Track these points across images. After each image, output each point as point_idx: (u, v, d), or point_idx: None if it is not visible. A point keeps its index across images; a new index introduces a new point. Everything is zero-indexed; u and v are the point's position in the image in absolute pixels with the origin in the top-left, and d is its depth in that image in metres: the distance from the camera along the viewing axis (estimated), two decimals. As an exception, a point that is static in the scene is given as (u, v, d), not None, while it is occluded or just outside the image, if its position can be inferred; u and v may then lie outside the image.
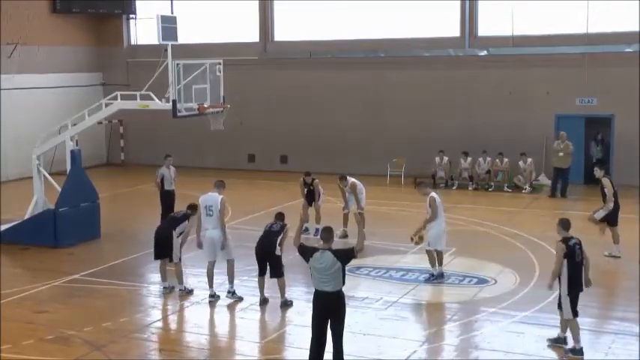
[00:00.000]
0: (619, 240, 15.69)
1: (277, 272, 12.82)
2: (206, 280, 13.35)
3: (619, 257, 15.57)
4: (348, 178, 17.58)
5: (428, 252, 14.33)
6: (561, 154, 22.69)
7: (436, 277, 14.26)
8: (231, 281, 13.27)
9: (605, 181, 15.71)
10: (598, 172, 16.09)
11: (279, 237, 12.80)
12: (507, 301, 13.05)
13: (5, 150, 26.21)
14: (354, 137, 27.14)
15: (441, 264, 14.38)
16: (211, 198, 13.32)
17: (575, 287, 10.80)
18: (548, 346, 11.07)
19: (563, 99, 24.70)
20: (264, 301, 13.03)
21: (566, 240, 10.79)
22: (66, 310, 13.00)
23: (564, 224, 10.97)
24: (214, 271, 13.37)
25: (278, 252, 12.79)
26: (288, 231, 12.89)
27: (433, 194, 14.29)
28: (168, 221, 14.04)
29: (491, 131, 25.25)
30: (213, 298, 13.27)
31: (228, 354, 11.31)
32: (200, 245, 13.43)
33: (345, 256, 9.72)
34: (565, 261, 10.71)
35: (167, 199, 18.14)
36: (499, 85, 25.47)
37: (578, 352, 10.76)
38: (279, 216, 13.31)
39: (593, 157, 24.29)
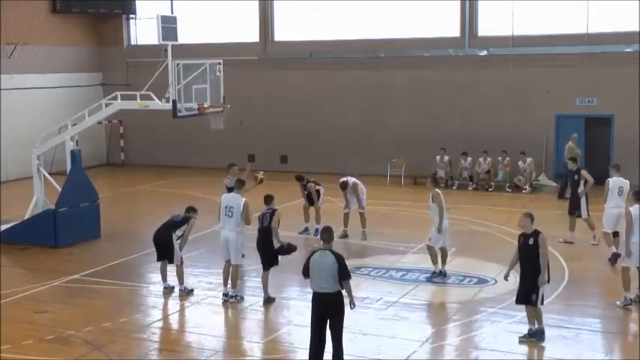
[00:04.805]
0: (574, 228, 16.66)
1: (272, 262, 13.03)
2: (206, 280, 13.30)
3: (572, 243, 16.28)
4: (348, 179, 17.53)
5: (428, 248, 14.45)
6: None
7: (437, 275, 14.32)
8: (233, 286, 13.23)
9: (584, 172, 17.03)
10: (570, 165, 17.52)
11: (273, 226, 12.85)
12: (507, 301, 12.99)
13: (5, 150, 26.18)
14: (354, 137, 27.12)
15: (444, 262, 14.42)
16: (233, 199, 13.20)
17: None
18: (521, 342, 11.16)
19: (563, 99, 24.69)
20: (268, 300, 13.02)
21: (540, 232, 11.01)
22: (66, 310, 13.00)
23: (533, 217, 11.15)
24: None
25: (276, 244, 12.94)
26: (279, 215, 13.05)
27: (437, 190, 14.52)
28: (166, 225, 13.85)
29: (491, 131, 25.23)
30: (227, 297, 13.23)
31: (228, 354, 11.29)
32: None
33: (344, 268, 9.73)
34: None
35: None
36: (499, 85, 25.46)
37: (542, 333, 11.13)
38: (268, 200, 13.28)
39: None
